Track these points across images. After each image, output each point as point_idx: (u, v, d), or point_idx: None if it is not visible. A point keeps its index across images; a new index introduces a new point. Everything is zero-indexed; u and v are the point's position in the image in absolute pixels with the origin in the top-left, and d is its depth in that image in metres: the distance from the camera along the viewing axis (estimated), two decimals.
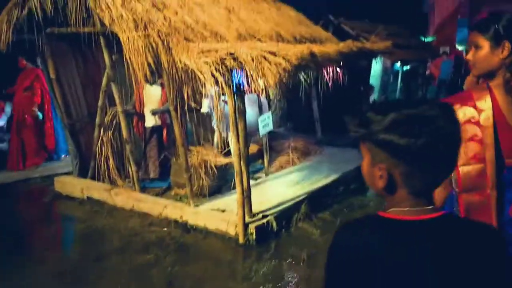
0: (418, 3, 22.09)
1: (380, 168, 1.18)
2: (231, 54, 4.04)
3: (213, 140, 7.17)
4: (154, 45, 4.32)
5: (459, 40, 20.92)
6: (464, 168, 2.04)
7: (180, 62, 4.25)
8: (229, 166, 6.66)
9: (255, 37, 5.33)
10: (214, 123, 6.77)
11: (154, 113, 6.48)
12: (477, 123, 2.01)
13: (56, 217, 6.27)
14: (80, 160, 6.51)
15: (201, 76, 4.13)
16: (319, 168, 7.20)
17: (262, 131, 6.53)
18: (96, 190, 6.17)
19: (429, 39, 17.88)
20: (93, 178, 6.46)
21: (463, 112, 2.02)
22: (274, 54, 4.00)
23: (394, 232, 1.14)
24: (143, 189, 6.37)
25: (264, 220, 4.99)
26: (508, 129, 1.93)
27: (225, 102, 6.69)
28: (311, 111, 9.08)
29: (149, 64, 4.42)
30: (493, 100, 1.95)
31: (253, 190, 6.07)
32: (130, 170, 5.94)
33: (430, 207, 1.16)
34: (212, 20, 5.08)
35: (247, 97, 7.18)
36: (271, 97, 11.02)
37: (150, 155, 6.62)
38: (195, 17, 4.95)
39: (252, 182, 6.55)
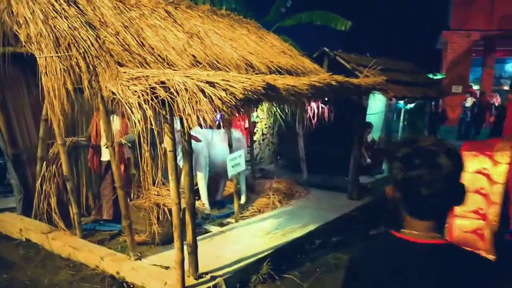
0: (431, 40, 21.42)
1: (389, 189, 1.35)
2: (161, 83, 3.30)
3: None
4: (76, 68, 3.61)
5: (473, 79, 20.13)
6: (459, 220, 1.94)
7: (106, 89, 3.52)
8: None
9: (215, 66, 4.61)
10: (179, 160, 6.01)
11: (120, 144, 5.77)
12: (488, 176, 1.89)
13: None
14: (25, 195, 5.78)
15: (127, 108, 3.39)
16: (299, 215, 6.34)
17: (232, 171, 5.74)
18: (34, 231, 5.40)
19: (439, 76, 17.06)
20: (37, 217, 5.69)
21: (477, 161, 1.91)
22: (213, 85, 3.24)
23: (398, 251, 1.30)
24: (92, 232, 5.61)
25: (211, 283, 4.13)
26: None
27: (192, 137, 5.97)
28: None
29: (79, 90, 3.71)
30: None
31: (213, 241, 5.27)
32: (71, 211, 5.15)
33: (437, 234, 1.28)
34: (163, 44, 4.38)
35: (217, 132, 6.46)
36: (264, 130, 10.33)
37: (104, 193, 5.86)
38: (142, 39, 4.26)
39: (216, 229, 5.75)
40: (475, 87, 20.07)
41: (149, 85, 3.34)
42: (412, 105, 11.12)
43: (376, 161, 9.47)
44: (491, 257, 1.80)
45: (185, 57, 4.39)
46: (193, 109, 3.21)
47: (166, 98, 3.28)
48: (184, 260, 4.00)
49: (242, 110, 3.48)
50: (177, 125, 5.59)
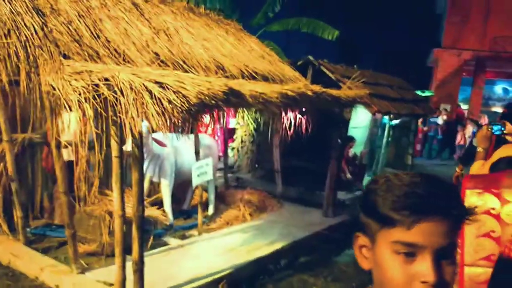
0: (422, 57, 21.29)
1: None
2: (105, 79, 2.91)
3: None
4: (15, 58, 3.21)
5: (462, 99, 20.02)
6: (471, 270, 1.68)
7: (46, 84, 3.12)
8: (152, 221, 5.46)
9: (181, 67, 4.23)
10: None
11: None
12: (497, 217, 1.66)
13: None
14: None
15: (66, 106, 2.99)
16: (267, 231, 5.95)
17: (197, 180, 5.36)
18: None
19: (427, 93, 16.86)
20: None
21: (483, 200, 1.67)
22: (163, 86, 2.86)
23: None
24: (41, 237, 5.17)
25: None
26: None
27: (157, 141, 5.57)
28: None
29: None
30: None
31: (168, 256, 4.86)
32: (15, 214, 4.71)
33: None
34: (122, 38, 3.99)
35: (185, 138, 6.05)
36: (243, 138, 9.94)
37: (57, 196, 5.42)
38: (98, 31, 3.86)
39: (176, 242, 5.34)
40: (464, 107, 19.95)
41: (92, 81, 2.94)
42: (397, 121, 10.82)
43: (356, 177, 9.15)
44: None
45: (146, 54, 4.00)
46: (138, 112, 2.82)
47: (109, 97, 2.89)
48: (126, 279, 3.59)
49: (197, 116, 3.09)
50: (143, 128, 5.23)
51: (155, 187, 6.28)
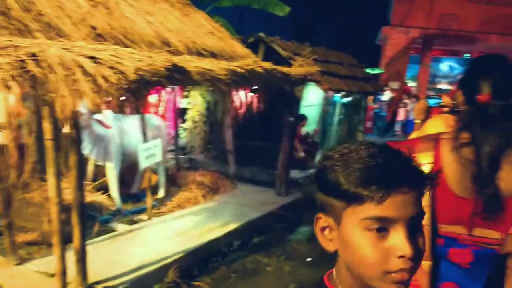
0: (372, 35, 21.59)
1: None
2: (32, 55, 2.63)
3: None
4: None
5: (410, 76, 20.54)
6: None
7: None
8: (98, 206, 5.21)
9: (121, 42, 3.95)
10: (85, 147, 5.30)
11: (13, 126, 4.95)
12: None
13: None
14: None
15: None
16: (220, 212, 5.83)
17: (145, 162, 5.13)
18: None
19: (377, 71, 17.14)
20: None
21: None
22: (97, 61, 2.62)
23: None
24: None
25: None
26: (448, 191, 1.54)
27: (100, 122, 5.28)
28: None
29: None
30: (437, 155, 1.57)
31: (115, 242, 4.64)
32: None
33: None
34: (56, 11, 3.66)
35: (131, 118, 5.78)
36: (196, 118, 9.68)
37: None
38: (29, 3, 3.52)
39: (124, 228, 5.12)
40: (411, 84, 20.48)
41: (18, 57, 2.65)
42: (349, 99, 10.90)
43: (309, 155, 9.17)
44: (427, 263, 1.60)
45: (83, 28, 3.70)
46: (70, 90, 2.57)
47: (38, 74, 2.62)
48: (67, 269, 3.37)
49: (137, 94, 2.87)
50: (82, 108, 4.92)
51: (101, 170, 5.98)
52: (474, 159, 1.48)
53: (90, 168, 5.80)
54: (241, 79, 4.16)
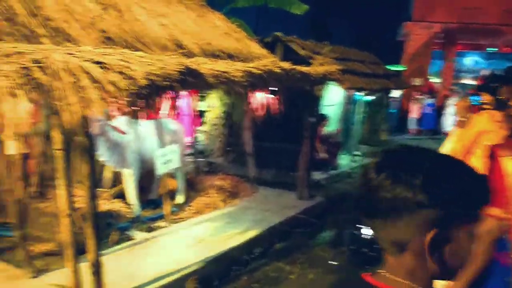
0: (393, 31, 21.12)
1: None
2: (37, 62, 2.50)
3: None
4: None
5: (433, 72, 20.01)
6: None
7: None
8: (115, 214, 5.10)
9: (133, 45, 3.82)
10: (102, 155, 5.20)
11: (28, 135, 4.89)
12: None
13: None
14: None
15: None
16: (240, 218, 5.66)
17: (162, 168, 5.00)
18: None
19: (399, 68, 16.72)
20: None
21: None
22: (104, 66, 2.47)
23: None
24: None
25: None
26: None
27: (115, 128, 5.16)
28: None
29: None
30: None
31: (133, 252, 4.50)
32: None
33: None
34: (64, 16, 3.55)
35: (147, 124, 5.66)
36: (215, 121, 9.53)
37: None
38: (37, 8, 3.41)
39: (141, 235, 4.99)
40: (435, 80, 19.96)
41: (22, 64, 2.53)
42: (370, 97, 10.60)
43: (331, 156, 8.93)
44: None
45: (92, 32, 3.58)
46: (76, 97, 2.43)
47: (44, 82, 2.49)
48: (84, 281, 3.25)
49: (148, 99, 2.72)
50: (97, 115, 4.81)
51: (119, 177, 5.88)
52: None
53: (107, 175, 5.71)
54: (258, 80, 3.98)
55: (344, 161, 9.56)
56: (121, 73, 2.49)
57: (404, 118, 15.65)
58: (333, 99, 9.64)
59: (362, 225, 6.02)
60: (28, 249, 3.85)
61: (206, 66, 3.41)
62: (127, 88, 2.48)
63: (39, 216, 4.54)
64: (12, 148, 4.73)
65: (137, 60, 2.70)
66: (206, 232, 5.15)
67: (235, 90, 3.82)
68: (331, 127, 9.48)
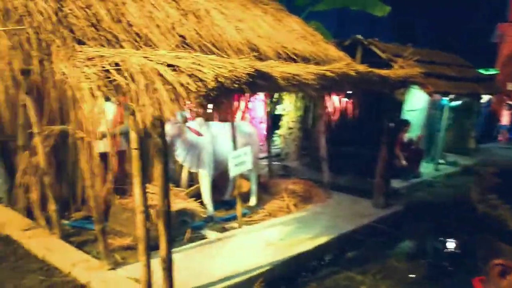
0: (486, 33, 19.74)
1: None
2: (116, 64, 2.65)
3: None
4: (26, 45, 3.03)
5: None
6: None
7: (59, 72, 2.91)
8: (190, 213, 5.26)
9: (209, 50, 3.92)
10: (179, 155, 5.40)
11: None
12: None
13: None
14: (12, 186, 5.32)
15: (78, 95, 2.77)
16: (312, 223, 5.58)
17: (235, 170, 5.07)
18: (15, 227, 4.95)
19: (491, 72, 15.56)
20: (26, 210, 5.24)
21: None
22: (176, 69, 2.56)
23: None
24: (80, 230, 5.09)
25: None
26: None
27: (193, 130, 5.33)
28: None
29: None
30: None
31: (204, 250, 4.61)
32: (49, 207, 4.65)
33: None
34: (146, 22, 3.73)
35: (223, 126, 5.77)
36: (290, 124, 9.53)
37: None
38: (120, 15, 3.62)
39: (214, 235, 5.10)
40: None
41: (103, 67, 2.69)
42: (458, 103, 9.96)
43: (413, 164, 8.52)
44: None
45: (171, 37, 3.73)
46: (149, 98, 2.54)
47: (122, 83, 2.63)
48: (155, 276, 3.38)
49: (217, 101, 2.77)
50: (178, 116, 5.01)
51: (195, 177, 6.07)
52: None
53: (184, 175, 5.91)
54: (331, 83, 3.90)
55: (426, 169, 9.08)
56: (191, 75, 2.56)
57: (493, 125, 14.59)
58: (416, 103, 9.19)
59: (451, 239, 5.66)
60: (108, 242, 4.07)
61: (278, 69, 3.40)
62: (197, 90, 2.54)
63: (120, 212, 4.80)
64: (102, 146, 5.09)
65: (208, 63, 2.76)
66: (276, 235, 5.14)
67: (307, 93, 3.77)
68: (413, 133, 9.05)
